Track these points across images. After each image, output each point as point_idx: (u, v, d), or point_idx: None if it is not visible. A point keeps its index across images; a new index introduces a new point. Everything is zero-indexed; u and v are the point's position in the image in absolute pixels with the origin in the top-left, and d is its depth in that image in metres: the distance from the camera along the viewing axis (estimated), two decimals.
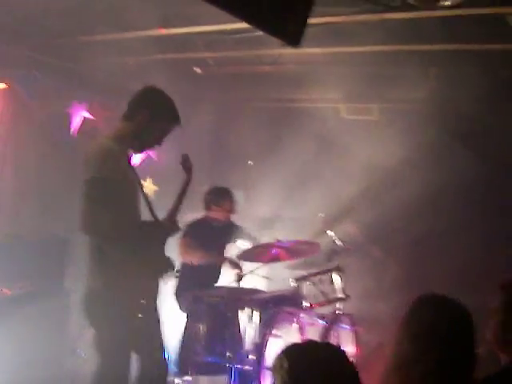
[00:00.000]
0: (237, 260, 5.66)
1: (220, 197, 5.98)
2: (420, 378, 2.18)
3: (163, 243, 3.99)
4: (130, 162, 3.91)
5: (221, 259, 5.95)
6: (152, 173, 7.46)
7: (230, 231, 6.17)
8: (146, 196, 4.03)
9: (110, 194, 3.56)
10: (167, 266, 3.93)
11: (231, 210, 6.05)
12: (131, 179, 3.83)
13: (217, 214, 5.99)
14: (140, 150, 4.03)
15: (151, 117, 3.82)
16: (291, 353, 1.96)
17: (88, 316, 3.74)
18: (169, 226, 4.08)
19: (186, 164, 4.29)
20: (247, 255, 5.61)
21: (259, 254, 5.55)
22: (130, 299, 3.67)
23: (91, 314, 3.73)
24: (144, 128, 3.83)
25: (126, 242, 3.65)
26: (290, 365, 1.87)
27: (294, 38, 3.13)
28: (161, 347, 4.07)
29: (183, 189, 4.24)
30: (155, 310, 4.00)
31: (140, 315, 3.73)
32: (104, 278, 3.63)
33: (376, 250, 6.33)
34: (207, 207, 5.97)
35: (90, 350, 5.42)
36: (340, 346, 2.13)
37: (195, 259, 5.61)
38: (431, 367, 2.17)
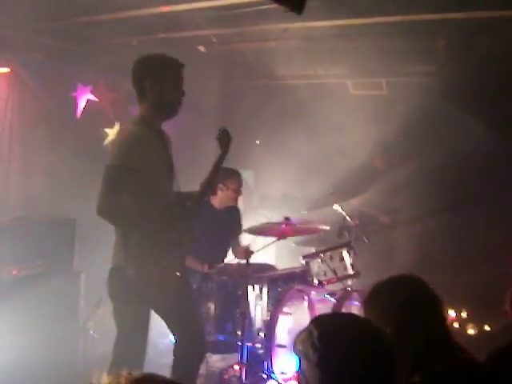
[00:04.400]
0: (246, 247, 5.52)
1: (227, 177, 5.90)
2: None
3: (189, 219, 3.97)
4: (161, 137, 3.91)
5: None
6: None
7: (233, 217, 6.10)
8: (174, 173, 3.99)
9: (127, 182, 3.59)
10: (189, 240, 3.95)
11: (238, 191, 5.96)
12: (157, 163, 3.79)
13: (222, 196, 5.89)
14: (172, 114, 3.93)
15: (155, 80, 3.77)
16: (319, 321, 1.95)
17: (108, 292, 3.77)
18: (196, 203, 4.06)
19: (224, 138, 4.12)
20: (256, 230, 5.56)
21: (268, 229, 5.50)
22: (156, 274, 3.70)
23: (111, 290, 3.76)
24: (158, 94, 3.79)
25: (142, 227, 3.70)
26: (319, 332, 1.84)
27: (298, 3, 3.06)
28: (196, 321, 4.16)
29: (217, 163, 4.12)
30: (186, 283, 4.06)
31: (174, 284, 3.80)
32: (125, 254, 3.67)
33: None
34: None
35: (101, 329, 5.48)
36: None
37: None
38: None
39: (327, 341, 1.83)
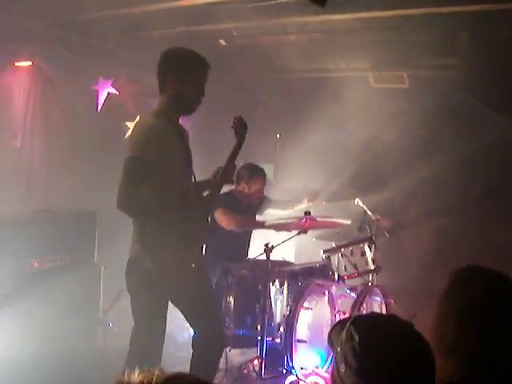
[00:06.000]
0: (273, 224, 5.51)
1: (250, 177, 5.86)
2: (465, 350, 2.09)
3: (206, 210, 3.98)
4: (179, 130, 3.91)
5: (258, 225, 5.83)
6: None
7: (256, 208, 6.08)
8: (191, 166, 3.99)
9: (146, 174, 3.59)
10: (206, 230, 3.95)
11: (261, 190, 5.94)
12: (174, 155, 3.78)
13: (245, 191, 5.85)
14: (189, 111, 3.93)
15: (177, 75, 3.76)
16: (361, 325, 1.85)
17: (126, 283, 3.80)
18: (213, 192, 4.06)
19: (240, 126, 4.07)
20: (276, 225, 5.53)
21: (289, 224, 5.46)
22: (172, 265, 3.71)
23: (128, 281, 3.79)
24: (178, 92, 3.78)
25: (160, 218, 3.70)
26: (361, 337, 1.79)
27: None
28: (215, 313, 4.18)
29: (234, 152, 4.07)
30: (203, 274, 4.05)
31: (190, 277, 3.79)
32: (142, 245, 3.69)
33: (385, 222, 6.17)
34: (237, 182, 5.85)
35: (121, 322, 5.51)
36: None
37: (236, 225, 5.53)
38: (478, 343, 2.08)
39: (369, 348, 1.78)
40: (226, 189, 5.81)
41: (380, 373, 1.74)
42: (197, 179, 4.02)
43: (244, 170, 5.84)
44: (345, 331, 1.83)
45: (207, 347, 3.98)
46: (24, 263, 5.26)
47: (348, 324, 1.85)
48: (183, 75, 3.77)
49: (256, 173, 5.87)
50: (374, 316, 2.12)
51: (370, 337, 1.79)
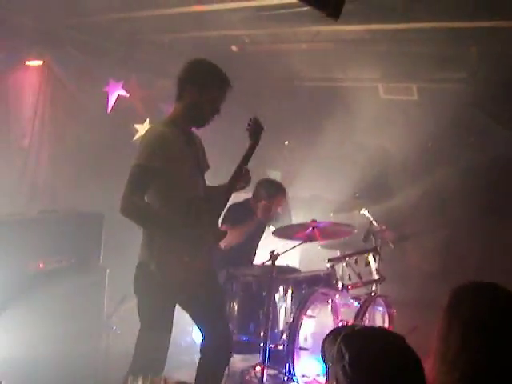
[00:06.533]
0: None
1: (275, 194, 5.82)
2: (467, 368, 2.09)
3: (216, 215, 3.99)
4: (189, 138, 3.90)
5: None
6: None
7: (266, 224, 6.07)
8: (202, 174, 4.00)
9: (150, 182, 3.62)
10: (216, 237, 3.96)
11: (279, 207, 5.92)
12: (183, 164, 3.78)
13: (262, 209, 5.70)
14: (200, 125, 3.95)
15: (197, 88, 3.78)
16: (351, 343, 1.87)
17: (134, 287, 3.80)
18: (224, 196, 4.04)
19: (255, 128, 4.09)
20: (282, 232, 5.54)
21: (295, 232, 5.47)
22: (179, 270, 3.71)
23: (136, 286, 3.79)
24: (195, 103, 3.79)
25: (164, 227, 3.71)
26: (350, 356, 1.80)
27: (334, 9, 3.05)
28: (225, 319, 4.20)
29: (247, 155, 4.06)
30: (214, 279, 4.08)
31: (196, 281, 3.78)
32: (150, 250, 3.70)
33: (389, 234, 6.16)
34: (257, 200, 5.81)
35: (125, 326, 5.51)
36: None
37: (233, 240, 5.48)
38: (480, 357, 2.08)
39: (358, 368, 1.79)
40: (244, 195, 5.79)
41: None
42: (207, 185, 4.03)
43: (265, 187, 5.85)
44: (336, 348, 1.84)
45: (215, 353, 3.98)
46: (29, 264, 5.25)
47: (339, 341, 1.86)
48: (203, 89, 3.78)
49: (279, 191, 5.88)
50: (364, 332, 2.10)
51: (360, 356, 1.81)
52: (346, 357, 1.79)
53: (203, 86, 3.78)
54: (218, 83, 3.83)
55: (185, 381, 1.46)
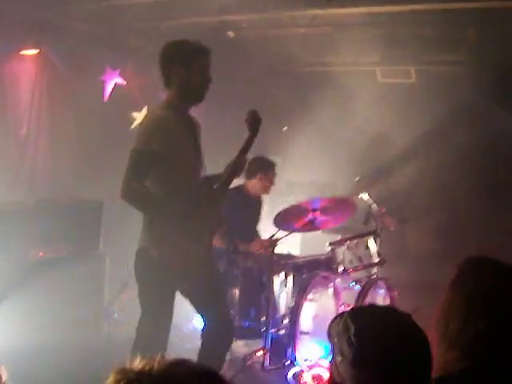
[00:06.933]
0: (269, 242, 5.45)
1: (269, 167, 5.87)
2: (468, 342, 2.09)
3: (216, 202, 3.96)
4: (188, 122, 3.90)
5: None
6: None
7: (260, 206, 6.10)
8: (201, 158, 3.99)
9: (150, 166, 3.62)
10: (216, 223, 3.95)
11: (273, 182, 5.96)
12: (182, 147, 3.77)
13: (258, 184, 5.84)
14: (197, 100, 3.91)
15: (181, 66, 3.76)
16: (357, 316, 1.86)
17: (134, 273, 3.81)
18: (223, 185, 4.03)
19: (253, 120, 4.00)
20: (282, 222, 5.48)
21: (295, 218, 5.44)
22: (178, 256, 3.71)
23: (136, 272, 3.79)
24: (185, 80, 3.78)
25: (164, 212, 3.71)
26: (356, 328, 1.79)
27: None
28: (225, 304, 4.22)
29: (246, 146, 4.01)
30: (213, 265, 4.09)
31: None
32: (150, 235, 3.71)
33: (389, 220, 6.13)
34: (252, 176, 5.87)
35: (125, 312, 5.52)
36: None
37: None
38: (482, 332, 2.07)
39: (364, 338, 1.77)
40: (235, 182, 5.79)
41: (375, 362, 1.74)
42: (206, 169, 4.02)
43: (261, 161, 5.88)
44: (342, 322, 1.84)
45: (216, 339, 3.99)
46: (29, 253, 5.26)
47: (345, 316, 1.86)
48: (188, 65, 3.76)
49: (272, 164, 5.92)
50: (371, 307, 2.10)
51: (366, 327, 1.79)
52: (352, 329, 1.78)
53: (186, 61, 3.76)
54: (198, 52, 3.82)
55: (185, 358, 1.45)
